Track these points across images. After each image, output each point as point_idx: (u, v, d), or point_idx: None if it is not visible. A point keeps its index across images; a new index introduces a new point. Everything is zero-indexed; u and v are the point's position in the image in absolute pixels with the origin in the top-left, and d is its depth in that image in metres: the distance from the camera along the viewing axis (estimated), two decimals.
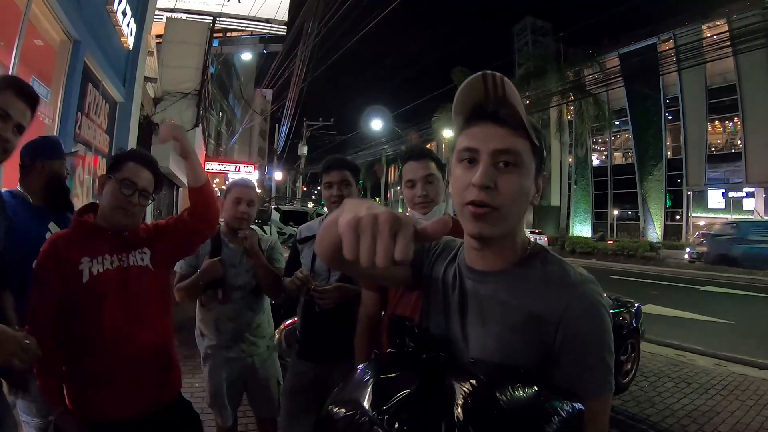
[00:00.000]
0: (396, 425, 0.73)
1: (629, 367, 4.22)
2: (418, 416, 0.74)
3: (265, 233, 2.72)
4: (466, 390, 0.74)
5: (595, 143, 34.55)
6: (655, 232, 30.02)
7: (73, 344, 1.52)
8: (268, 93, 30.94)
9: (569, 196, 32.94)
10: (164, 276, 1.70)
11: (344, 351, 1.89)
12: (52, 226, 1.91)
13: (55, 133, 4.01)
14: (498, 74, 0.80)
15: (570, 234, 30.93)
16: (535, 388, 0.77)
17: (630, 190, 31.83)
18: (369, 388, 0.80)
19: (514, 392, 0.75)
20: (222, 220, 2.31)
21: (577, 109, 26.80)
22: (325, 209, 2.67)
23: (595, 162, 34.85)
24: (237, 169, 16.36)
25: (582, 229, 33.82)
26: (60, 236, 1.57)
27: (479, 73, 0.81)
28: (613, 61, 29.10)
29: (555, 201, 33.68)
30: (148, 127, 8.17)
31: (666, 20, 25.02)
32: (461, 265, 0.96)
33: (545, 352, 0.83)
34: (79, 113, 4.55)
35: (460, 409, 0.72)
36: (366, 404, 0.77)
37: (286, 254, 2.49)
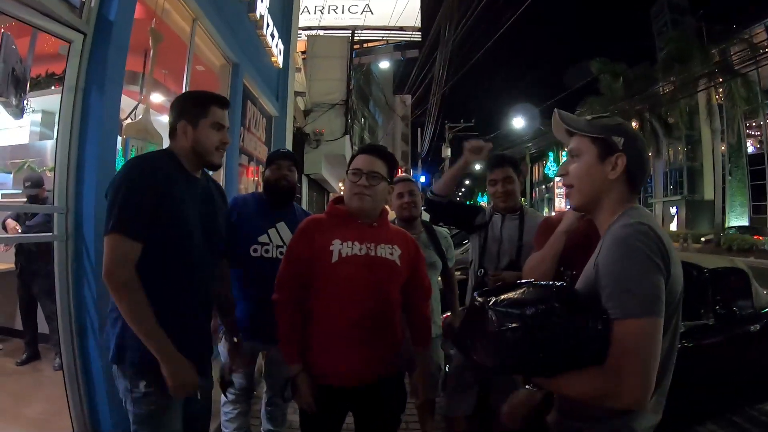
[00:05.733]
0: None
1: None
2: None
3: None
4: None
5: (749, 128, 28.59)
6: None
7: (312, 313, 1.70)
8: (407, 98, 31.80)
9: (724, 189, 28.06)
10: (407, 272, 1.82)
11: None
12: (281, 225, 2.32)
13: None
14: (557, 111, 1.24)
15: (725, 229, 26.47)
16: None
17: None
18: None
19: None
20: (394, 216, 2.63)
21: (726, 91, 22.76)
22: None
23: (750, 149, 28.75)
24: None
25: (738, 224, 28.09)
26: (314, 219, 1.82)
27: (554, 112, 1.25)
28: (760, 34, 23.71)
29: (708, 194, 29.56)
30: (300, 138, 8.92)
31: None
32: None
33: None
34: (242, 128, 5.10)
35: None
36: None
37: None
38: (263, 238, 2.29)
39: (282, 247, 2.26)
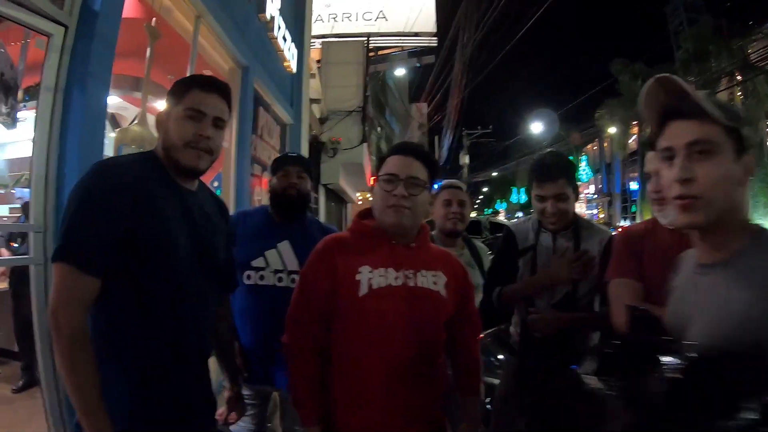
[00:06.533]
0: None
1: None
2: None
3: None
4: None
5: None
6: None
7: (334, 360, 1.36)
8: (423, 106, 31.63)
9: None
10: (453, 305, 1.46)
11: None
12: (283, 245, 1.95)
13: (232, 155, 4.26)
14: (668, 75, 0.90)
15: None
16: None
17: None
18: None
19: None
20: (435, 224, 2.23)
21: (748, 89, 22.40)
22: (500, 218, 2.46)
23: None
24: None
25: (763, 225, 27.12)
26: (335, 239, 1.46)
27: (652, 79, 0.92)
28: None
29: None
30: (317, 146, 8.67)
31: None
32: (691, 264, 1.00)
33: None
34: (254, 135, 4.84)
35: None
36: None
37: None
38: (258, 262, 1.93)
39: (282, 272, 1.92)
